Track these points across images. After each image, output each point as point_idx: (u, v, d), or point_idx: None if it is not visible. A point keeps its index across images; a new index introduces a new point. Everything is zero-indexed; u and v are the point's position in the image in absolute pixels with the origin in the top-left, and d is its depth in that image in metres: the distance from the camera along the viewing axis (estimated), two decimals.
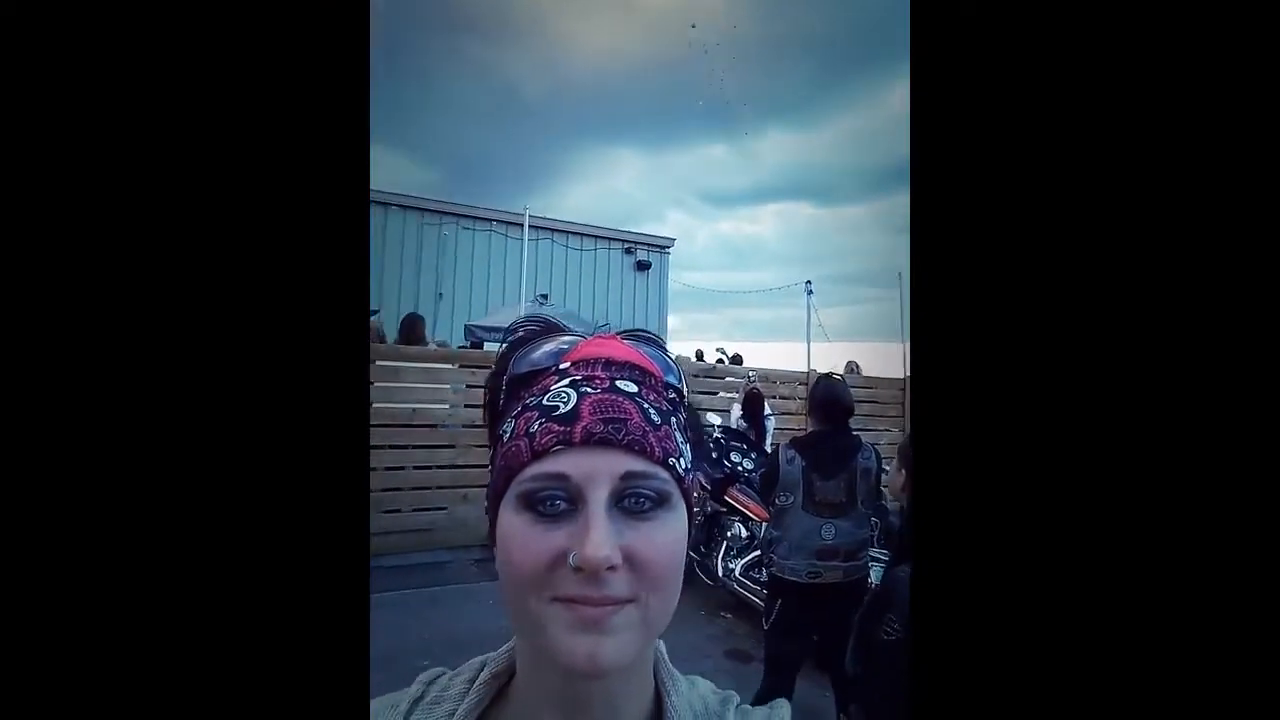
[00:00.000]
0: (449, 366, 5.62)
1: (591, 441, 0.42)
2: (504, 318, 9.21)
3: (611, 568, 0.41)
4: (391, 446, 5.05)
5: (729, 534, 4.49)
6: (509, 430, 0.46)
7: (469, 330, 10.30)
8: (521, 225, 6.46)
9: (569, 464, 0.42)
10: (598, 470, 0.42)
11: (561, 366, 0.47)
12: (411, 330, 5.72)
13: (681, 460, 0.46)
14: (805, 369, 7.60)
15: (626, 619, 0.42)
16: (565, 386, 0.45)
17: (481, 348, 9.18)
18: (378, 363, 5.21)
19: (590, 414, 0.43)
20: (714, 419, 5.49)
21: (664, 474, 0.44)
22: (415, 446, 5.17)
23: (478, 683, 0.51)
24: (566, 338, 0.49)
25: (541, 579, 0.42)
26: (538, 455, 0.42)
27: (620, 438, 0.42)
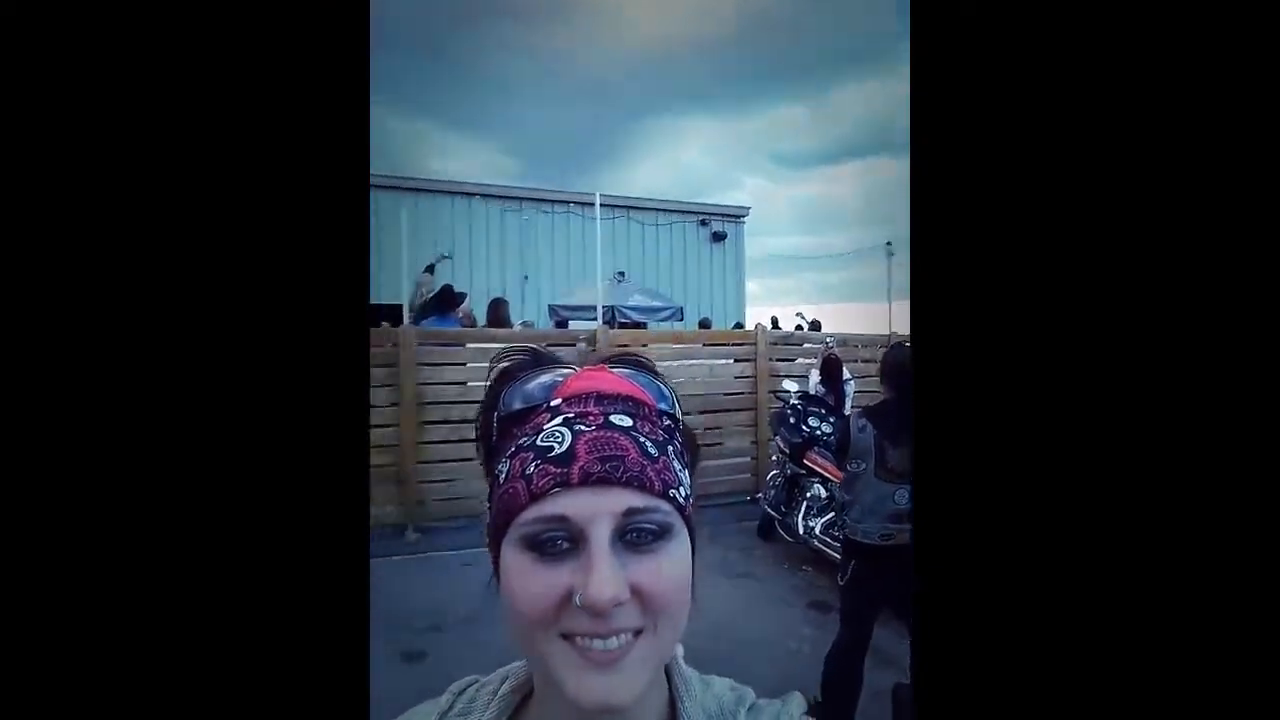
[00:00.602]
0: (535, 346, 5.93)
1: (590, 482, 0.42)
2: (585, 297, 9.51)
3: (622, 600, 0.41)
4: None
5: (809, 494, 4.60)
6: (505, 471, 0.45)
7: (552, 310, 10.69)
8: (594, 205, 6.68)
9: (568, 505, 0.42)
10: (598, 509, 0.41)
11: (553, 403, 0.46)
12: (496, 313, 6.08)
13: (681, 489, 0.45)
14: (886, 332, 7.47)
15: (637, 654, 0.42)
16: (559, 425, 0.44)
17: (566, 325, 9.53)
18: (469, 345, 5.60)
19: (587, 453, 0.42)
20: (790, 386, 5.55)
21: (665, 506, 0.43)
22: None
23: (499, 695, 0.52)
24: (558, 370, 0.49)
25: (548, 617, 0.42)
26: (536, 498, 0.42)
27: (619, 475, 0.42)
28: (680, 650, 0.53)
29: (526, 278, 13.40)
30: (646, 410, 0.47)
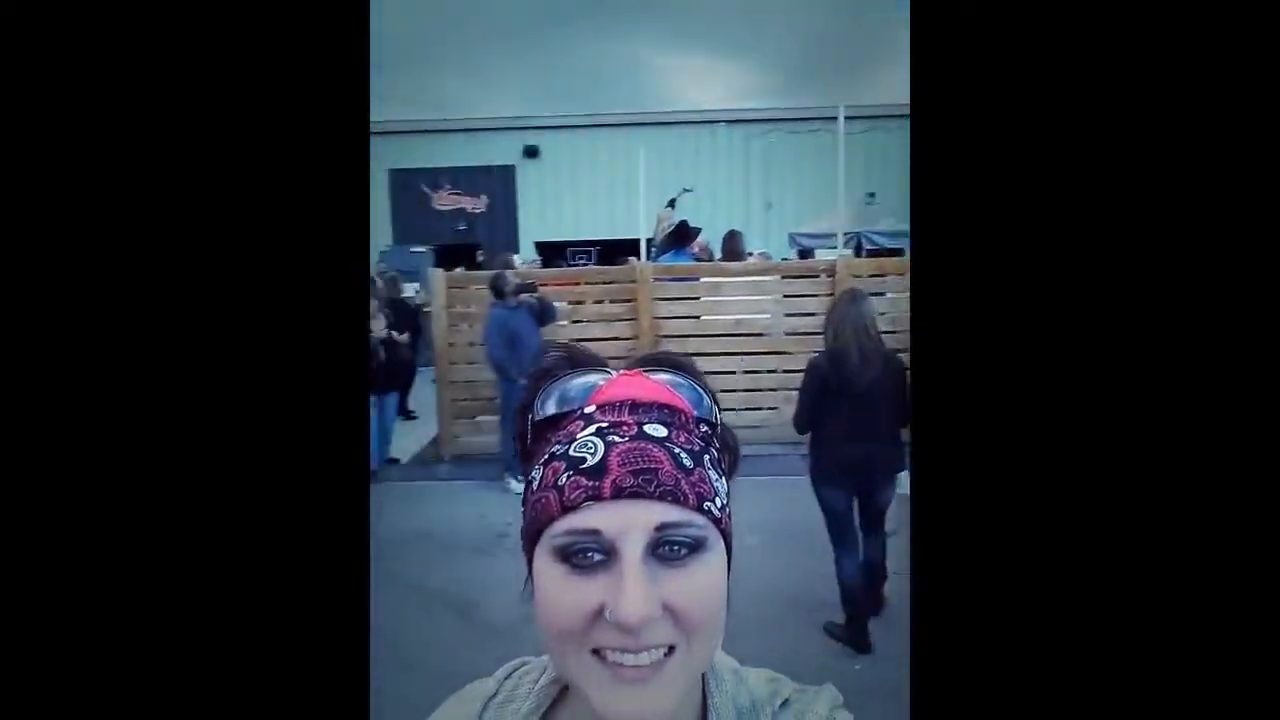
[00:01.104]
0: (769, 278, 5.83)
1: (622, 495, 0.41)
2: (826, 224, 9.00)
3: (654, 616, 0.41)
4: (721, 354, 5.53)
5: None
6: (538, 478, 0.45)
7: (793, 239, 10.34)
8: (838, 119, 6.16)
9: (600, 519, 0.41)
10: (630, 524, 0.41)
11: (587, 410, 0.45)
12: (731, 245, 6.04)
13: (717, 499, 0.44)
14: None
15: (669, 670, 0.42)
16: (592, 435, 0.43)
17: (810, 255, 9.17)
18: (703, 279, 5.69)
19: (619, 465, 0.41)
20: None
21: (699, 520, 0.42)
22: (743, 354, 5.56)
23: (538, 686, 0.52)
24: (592, 376, 0.47)
25: (580, 631, 0.41)
26: (567, 510, 0.42)
27: (652, 490, 0.41)
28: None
29: (770, 205, 13.10)
30: (683, 418, 0.46)
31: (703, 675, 0.49)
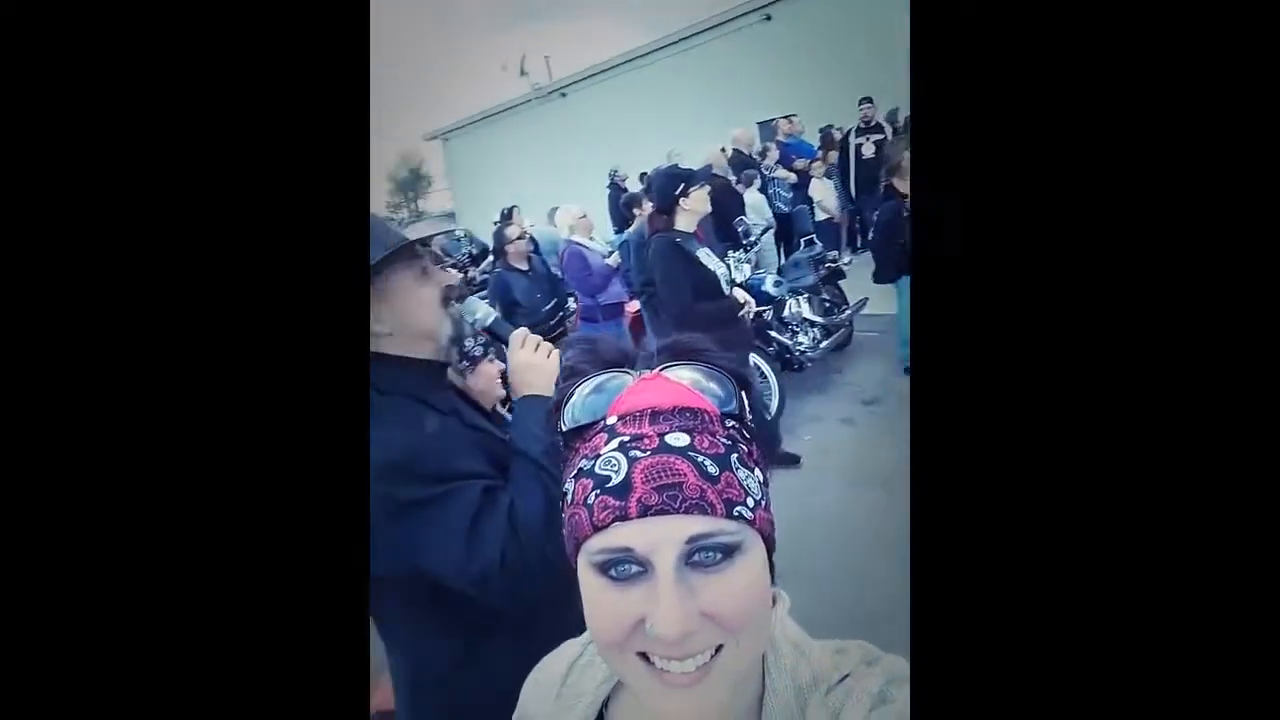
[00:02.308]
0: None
1: (649, 514, 0.41)
2: None
3: (692, 629, 0.41)
4: None
5: None
6: (570, 491, 0.45)
7: None
8: None
9: (630, 537, 0.41)
10: (661, 539, 0.41)
11: (609, 422, 0.45)
12: None
13: (749, 499, 0.44)
14: None
15: (718, 670, 0.42)
16: (615, 451, 0.43)
17: None
18: None
19: (643, 483, 0.41)
20: None
21: (731, 526, 0.42)
22: None
23: None
24: (615, 379, 0.47)
25: (624, 640, 0.42)
26: (598, 529, 0.42)
27: (677, 505, 0.41)
28: (785, 605, 0.51)
29: None
30: (706, 420, 0.45)
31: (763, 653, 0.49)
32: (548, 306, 4.30)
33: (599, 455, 0.44)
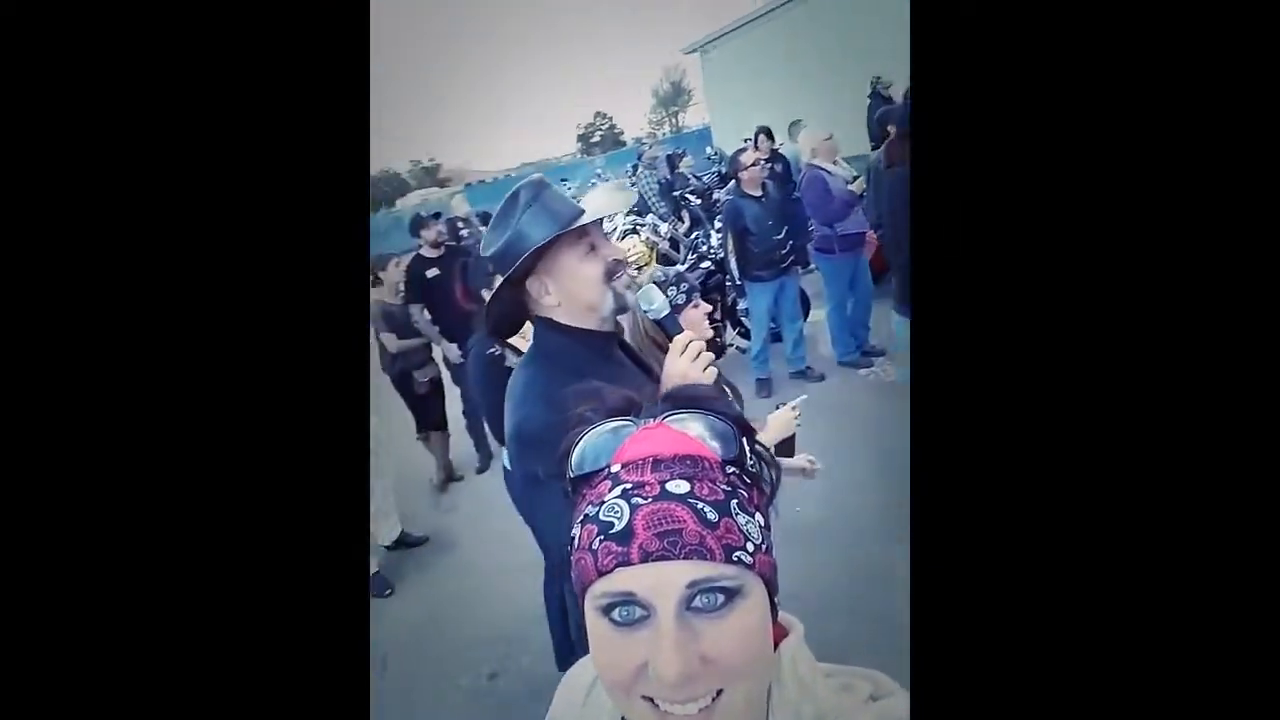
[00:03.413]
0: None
1: (650, 559, 0.42)
2: None
3: (693, 673, 0.42)
4: None
5: None
6: (577, 536, 0.47)
7: None
8: None
9: (632, 582, 0.43)
10: (661, 584, 0.42)
11: (613, 469, 0.47)
12: None
13: (749, 544, 0.45)
14: None
15: (720, 712, 0.43)
16: (617, 498, 0.45)
17: None
18: None
19: (644, 529, 0.43)
20: None
21: (730, 570, 0.43)
22: None
23: None
24: (621, 428, 0.49)
25: (629, 682, 0.44)
26: (602, 573, 0.44)
27: (677, 551, 0.42)
28: (798, 633, 0.52)
29: None
30: (706, 467, 0.46)
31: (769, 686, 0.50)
32: (778, 235, 4.18)
33: (603, 502, 0.45)
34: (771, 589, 0.47)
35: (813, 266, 4.79)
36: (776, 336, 4.58)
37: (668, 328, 1.19)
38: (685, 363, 1.08)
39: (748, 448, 0.49)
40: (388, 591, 3.25)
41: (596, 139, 50.38)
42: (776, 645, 0.50)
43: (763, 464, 0.50)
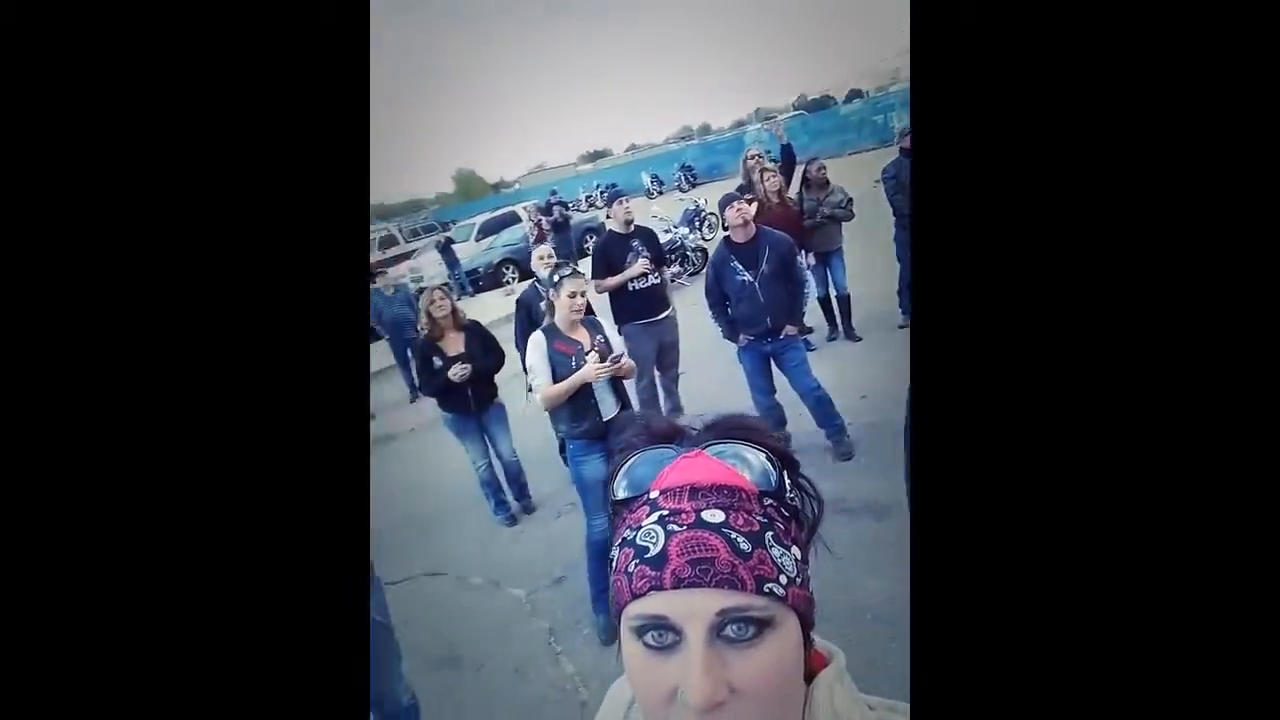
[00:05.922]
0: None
1: (681, 586, 0.43)
2: None
3: (720, 700, 0.42)
4: None
5: None
6: (615, 559, 0.48)
7: None
8: None
9: (665, 606, 0.43)
10: (692, 611, 0.43)
11: (651, 495, 0.48)
12: None
13: (782, 576, 0.45)
14: None
15: None
16: (654, 523, 0.46)
17: None
18: None
19: (678, 555, 0.44)
20: None
21: (760, 602, 0.43)
22: None
23: None
24: (663, 455, 0.50)
25: (661, 705, 0.44)
26: (636, 596, 0.44)
27: (708, 579, 0.43)
28: (839, 663, 0.51)
29: None
30: (743, 498, 0.47)
31: (809, 698, 0.49)
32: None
33: (640, 527, 0.46)
34: (806, 623, 0.47)
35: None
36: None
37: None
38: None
39: (789, 481, 0.49)
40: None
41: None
42: (816, 674, 0.50)
43: (805, 498, 0.51)
